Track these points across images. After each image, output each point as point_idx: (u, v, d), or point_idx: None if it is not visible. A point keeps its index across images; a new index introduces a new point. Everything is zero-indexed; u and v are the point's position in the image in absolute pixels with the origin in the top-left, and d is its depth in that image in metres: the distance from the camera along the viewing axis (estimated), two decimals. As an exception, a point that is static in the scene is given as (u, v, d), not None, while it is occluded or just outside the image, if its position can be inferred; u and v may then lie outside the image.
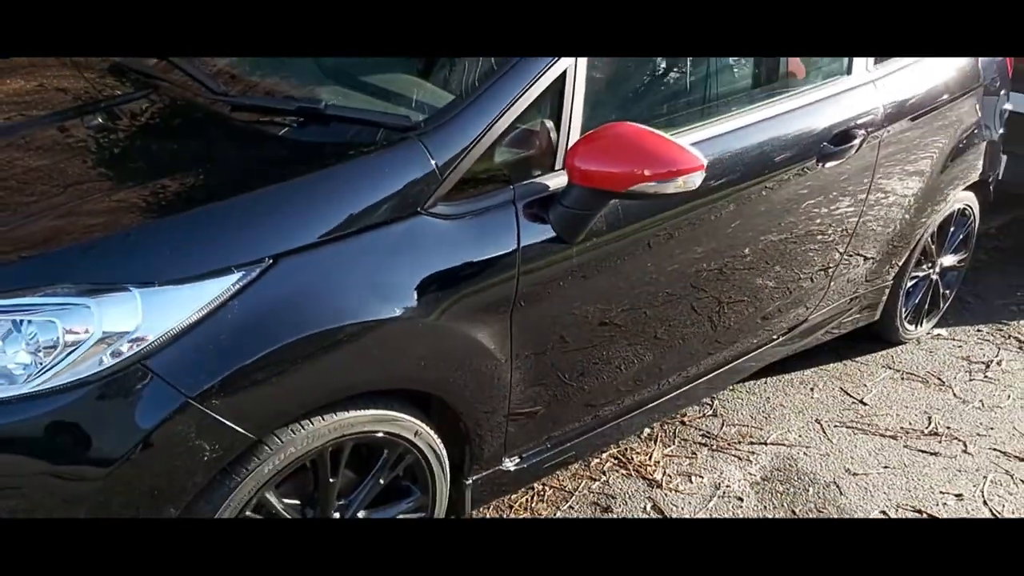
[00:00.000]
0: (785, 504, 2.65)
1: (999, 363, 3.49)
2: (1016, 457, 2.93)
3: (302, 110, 1.97)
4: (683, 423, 2.98)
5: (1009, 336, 3.71)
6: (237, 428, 1.65)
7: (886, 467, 2.84)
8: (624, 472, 2.74)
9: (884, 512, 2.64)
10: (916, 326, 3.61)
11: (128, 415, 1.58)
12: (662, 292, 2.42)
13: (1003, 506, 2.70)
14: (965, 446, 2.97)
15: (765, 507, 2.63)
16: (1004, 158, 4.28)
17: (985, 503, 2.71)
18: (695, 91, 2.38)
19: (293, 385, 1.70)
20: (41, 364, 1.55)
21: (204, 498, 1.70)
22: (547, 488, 2.65)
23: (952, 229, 3.53)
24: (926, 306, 3.61)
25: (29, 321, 1.56)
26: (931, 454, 2.92)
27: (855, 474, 2.79)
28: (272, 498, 1.80)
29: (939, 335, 3.68)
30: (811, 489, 2.71)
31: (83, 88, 2.22)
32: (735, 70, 2.50)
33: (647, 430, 2.91)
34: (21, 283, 1.57)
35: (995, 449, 2.96)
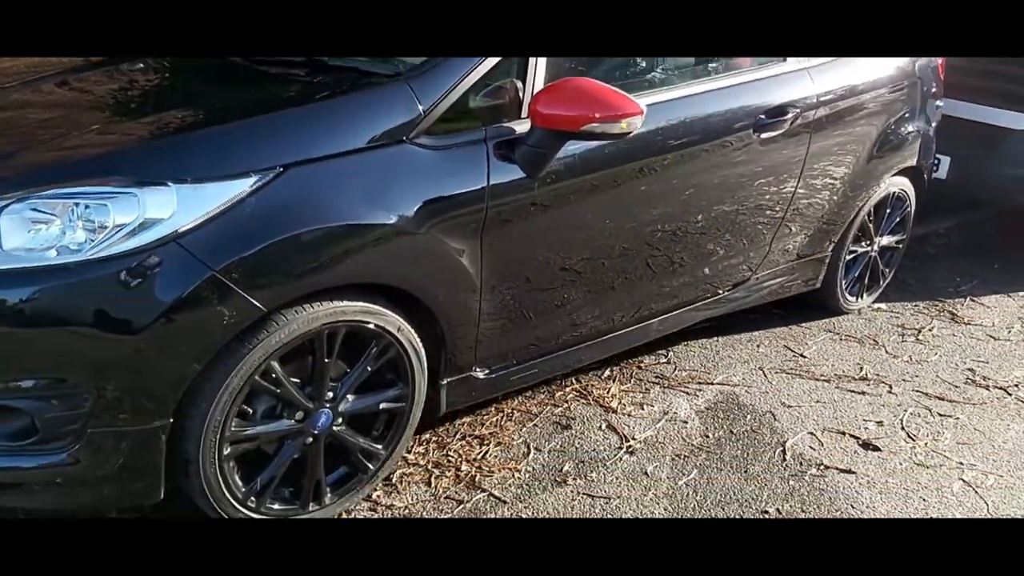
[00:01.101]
0: (724, 427, 3.01)
1: (931, 330, 3.87)
2: (936, 397, 3.30)
3: (311, 62, 2.38)
4: (640, 367, 3.36)
5: (944, 310, 4.09)
6: (250, 299, 2.03)
7: (818, 402, 3.21)
8: (584, 401, 3.10)
9: (812, 433, 3.00)
10: (857, 299, 3.99)
11: (164, 282, 1.96)
12: (619, 246, 2.82)
13: (918, 430, 3.07)
14: (891, 388, 3.34)
15: (707, 428, 2.99)
16: (947, 160, 4.72)
17: (903, 428, 3.08)
18: (648, 60, 2.79)
19: (296, 269, 2.09)
20: (94, 240, 1.94)
21: (222, 360, 2.07)
22: (515, 411, 3.01)
23: (889, 211, 3.92)
24: (866, 281, 3.99)
25: (87, 205, 1.95)
26: (859, 393, 3.29)
27: (789, 406, 3.16)
28: (277, 367, 2.18)
29: (879, 308, 4.06)
30: (749, 416, 3.08)
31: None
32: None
33: (607, 371, 3.28)
34: (82, 176, 1.97)
35: (917, 391, 3.34)
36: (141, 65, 2.42)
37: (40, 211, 1.96)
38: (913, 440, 3.01)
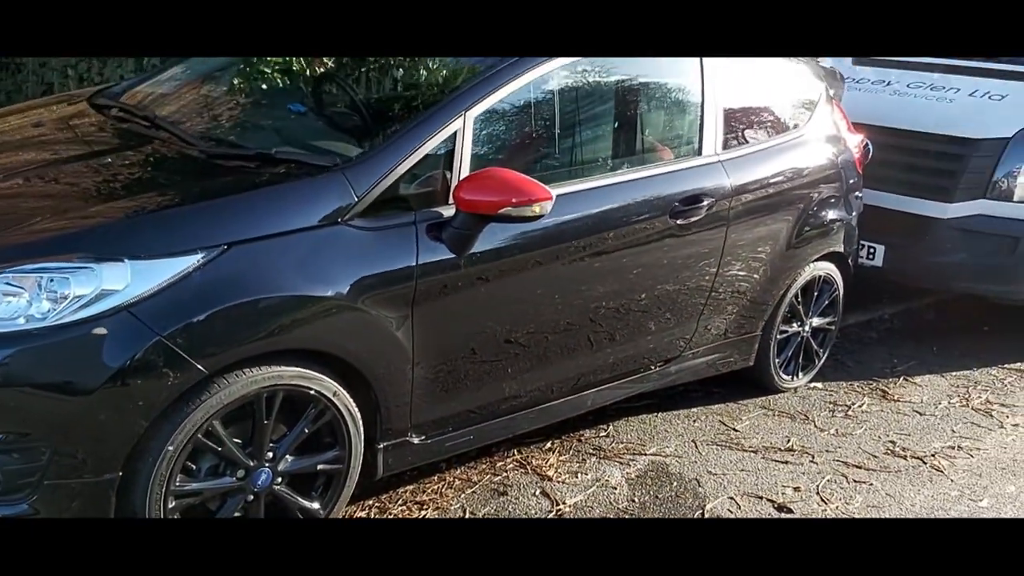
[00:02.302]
0: (651, 492, 3.21)
1: (860, 406, 4.09)
2: (855, 466, 3.50)
3: (259, 155, 2.69)
4: (580, 440, 3.56)
5: (876, 388, 4.32)
6: (193, 362, 2.27)
7: (743, 470, 3.41)
8: (523, 471, 3.30)
9: (732, 498, 3.20)
10: (793, 378, 4.22)
11: (116, 346, 2.22)
12: (557, 321, 3.08)
13: (832, 495, 3.27)
14: (813, 458, 3.55)
15: (634, 494, 3.19)
16: (882, 248, 5.03)
17: (818, 492, 3.28)
18: (565, 155, 3.12)
19: (237, 336, 2.35)
20: (57, 309, 2.20)
21: (168, 418, 2.31)
22: (456, 479, 3.21)
23: (817, 294, 4.19)
24: (800, 360, 4.23)
25: (52, 279, 2.22)
26: (783, 463, 3.49)
27: (714, 474, 3.36)
28: (219, 428, 2.40)
29: (815, 387, 4.28)
30: (675, 483, 3.28)
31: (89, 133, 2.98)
32: (599, 140, 3.25)
33: (548, 444, 3.49)
34: (48, 253, 2.25)
35: (838, 460, 3.54)
36: (108, 160, 2.73)
37: (11, 284, 2.22)
38: (826, 503, 3.20)
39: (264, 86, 3.63)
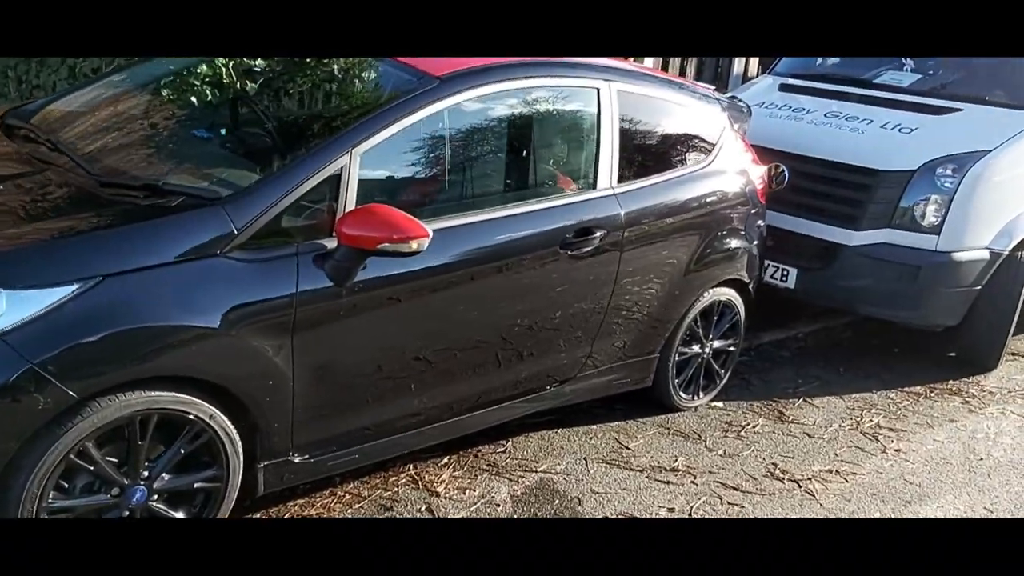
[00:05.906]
0: (532, 510, 3.36)
1: (754, 427, 4.26)
2: (732, 488, 3.67)
3: (146, 186, 2.81)
4: (476, 456, 3.71)
5: (774, 409, 4.49)
6: (64, 388, 2.39)
7: (624, 489, 3.57)
8: (414, 486, 3.45)
9: (608, 517, 3.36)
10: (693, 397, 4.39)
11: (-10, 372, 2.33)
12: (428, 348, 3.21)
13: (704, 516, 3.43)
14: (695, 479, 3.71)
15: (516, 511, 3.34)
16: (794, 271, 5.20)
17: (690, 514, 3.44)
18: (455, 189, 3.25)
19: (110, 363, 2.47)
20: (-66, 336, 2.32)
21: (40, 438, 2.43)
22: (347, 494, 3.35)
23: (717, 318, 4.35)
24: (701, 381, 4.40)
25: (-70, 308, 2.33)
26: (665, 483, 3.66)
27: (597, 493, 3.52)
28: (92, 449, 2.52)
29: (716, 406, 4.45)
30: (556, 501, 3.44)
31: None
32: (490, 175, 3.39)
33: (444, 459, 3.63)
34: (-74, 282, 2.36)
35: (718, 482, 3.71)
36: (1, 186, 2.84)
37: None
38: (695, 524, 3.38)
39: (194, 99, 3.74)
